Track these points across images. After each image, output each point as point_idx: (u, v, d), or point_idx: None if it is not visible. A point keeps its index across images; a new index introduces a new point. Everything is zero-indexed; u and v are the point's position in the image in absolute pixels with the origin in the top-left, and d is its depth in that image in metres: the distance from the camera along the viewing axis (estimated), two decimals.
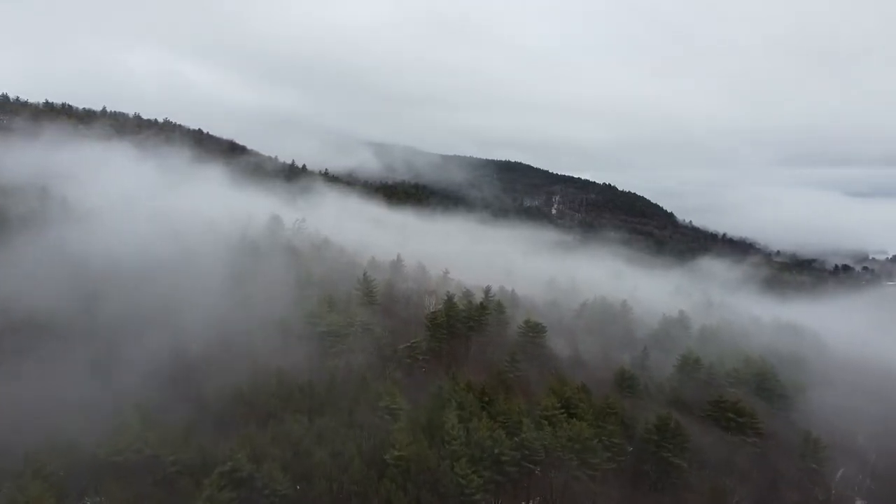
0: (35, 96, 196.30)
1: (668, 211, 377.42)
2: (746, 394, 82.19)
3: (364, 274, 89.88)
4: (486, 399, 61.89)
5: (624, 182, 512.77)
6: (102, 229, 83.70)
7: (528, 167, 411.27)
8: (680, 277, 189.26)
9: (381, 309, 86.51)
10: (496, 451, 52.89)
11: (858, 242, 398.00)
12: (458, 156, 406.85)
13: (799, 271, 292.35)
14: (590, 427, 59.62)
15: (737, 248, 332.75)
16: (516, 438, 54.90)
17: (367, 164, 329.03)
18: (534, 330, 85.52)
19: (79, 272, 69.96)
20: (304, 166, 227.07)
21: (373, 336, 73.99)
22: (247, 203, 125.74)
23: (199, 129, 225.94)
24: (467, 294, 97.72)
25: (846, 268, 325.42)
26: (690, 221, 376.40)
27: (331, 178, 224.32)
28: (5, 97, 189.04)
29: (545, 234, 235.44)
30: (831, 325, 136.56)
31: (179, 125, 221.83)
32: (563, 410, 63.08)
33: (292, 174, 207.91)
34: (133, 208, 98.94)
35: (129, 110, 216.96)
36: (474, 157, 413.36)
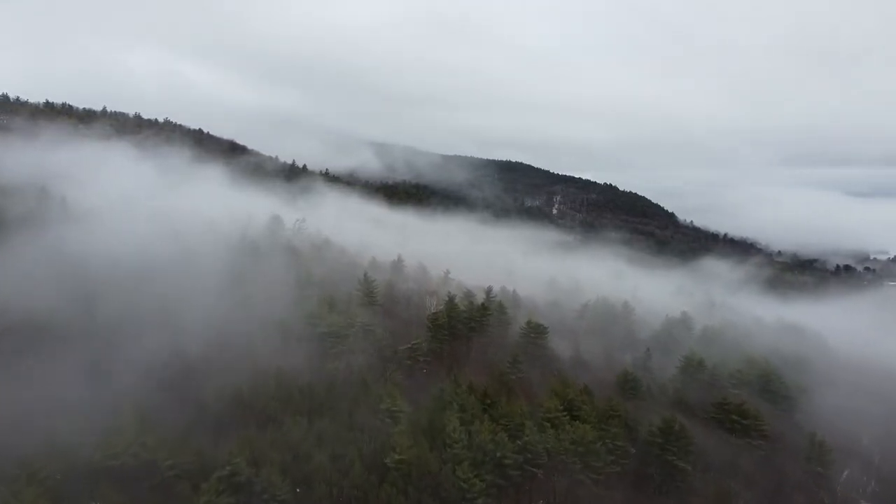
0: (35, 96, 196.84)
1: (670, 211, 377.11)
2: (750, 395, 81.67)
3: (365, 274, 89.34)
4: (488, 401, 61.21)
5: (624, 182, 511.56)
6: (102, 229, 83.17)
7: (529, 167, 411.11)
8: (682, 278, 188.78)
9: (381, 310, 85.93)
10: (498, 454, 52.20)
11: (859, 242, 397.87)
12: (459, 156, 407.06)
13: (801, 271, 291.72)
14: (593, 430, 58.93)
15: (738, 248, 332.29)
16: (519, 441, 54.18)
17: (368, 164, 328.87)
18: (536, 331, 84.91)
19: (77, 273, 69.33)
20: (304, 166, 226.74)
21: (373, 337, 73.34)
22: (247, 203, 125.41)
23: (200, 129, 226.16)
24: (468, 295, 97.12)
25: (848, 268, 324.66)
26: (691, 221, 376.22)
27: (331, 178, 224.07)
28: (5, 97, 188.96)
29: (546, 234, 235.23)
30: (834, 325, 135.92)
31: (179, 125, 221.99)
32: (565, 413, 62.38)
33: (293, 174, 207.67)
34: (133, 208, 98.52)
35: (129, 110, 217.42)
36: (475, 157, 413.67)
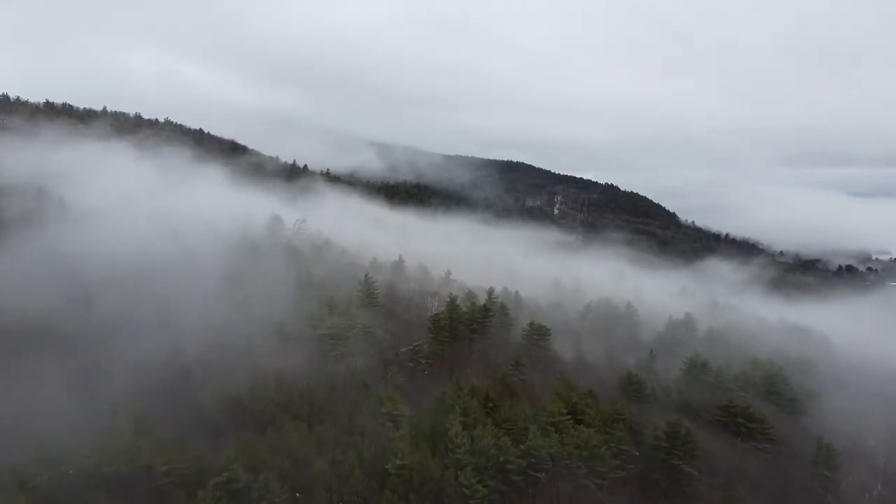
0: (35, 96, 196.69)
1: (671, 211, 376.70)
2: (755, 398, 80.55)
3: (365, 275, 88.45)
4: (491, 405, 60.19)
5: (625, 182, 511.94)
6: (101, 230, 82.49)
7: (530, 167, 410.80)
8: (684, 278, 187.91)
9: (382, 311, 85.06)
10: (501, 459, 51.21)
11: (860, 243, 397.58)
12: (460, 156, 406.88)
13: (803, 272, 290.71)
14: (597, 434, 57.89)
15: (740, 248, 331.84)
16: (522, 446, 53.19)
17: (369, 164, 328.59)
18: (538, 332, 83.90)
19: (75, 273, 68.55)
20: (304, 166, 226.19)
21: (374, 339, 72.45)
22: (247, 203, 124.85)
23: (200, 129, 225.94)
24: (470, 296, 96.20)
25: (850, 268, 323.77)
26: (693, 222, 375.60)
27: (332, 178, 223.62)
28: (5, 97, 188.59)
29: (547, 235, 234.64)
30: (838, 326, 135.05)
31: (179, 125, 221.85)
32: (569, 416, 61.23)
33: (293, 174, 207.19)
34: (132, 208, 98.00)
35: (129, 110, 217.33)
36: (476, 157, 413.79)
